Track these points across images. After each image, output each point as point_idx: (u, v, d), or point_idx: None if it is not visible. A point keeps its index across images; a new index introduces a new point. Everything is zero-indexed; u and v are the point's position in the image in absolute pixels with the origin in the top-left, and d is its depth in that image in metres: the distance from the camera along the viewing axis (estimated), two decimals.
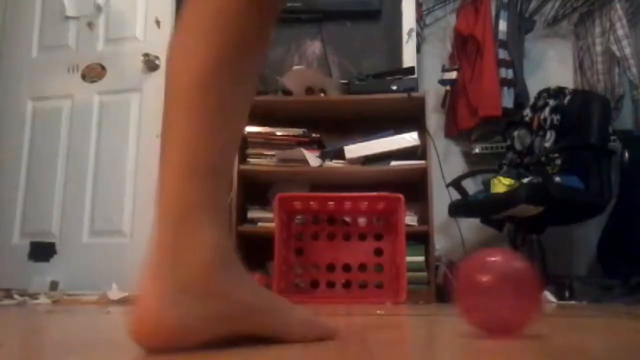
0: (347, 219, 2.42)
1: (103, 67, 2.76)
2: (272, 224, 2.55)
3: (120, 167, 2.64)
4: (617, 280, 2.39)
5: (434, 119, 3.04)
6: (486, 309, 0.68)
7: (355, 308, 1.67)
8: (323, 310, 1.50)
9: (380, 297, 2.19)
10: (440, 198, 2.59)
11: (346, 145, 2.58)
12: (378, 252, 2.31)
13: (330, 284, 2.31)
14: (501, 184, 2.42)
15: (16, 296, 1.96)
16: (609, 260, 2.64)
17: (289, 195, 2.29)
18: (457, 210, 2.57)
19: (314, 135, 2.67)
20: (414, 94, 2.59)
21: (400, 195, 2.16)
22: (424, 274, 2.39)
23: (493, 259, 0.70)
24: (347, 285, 2.30)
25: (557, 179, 2.36)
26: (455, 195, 2.59)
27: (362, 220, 2.40)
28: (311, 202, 2.27)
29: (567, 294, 2.16)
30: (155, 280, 0.52)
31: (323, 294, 2.27)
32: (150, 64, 2.64)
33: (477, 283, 0.68)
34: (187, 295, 0.52)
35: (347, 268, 2.31)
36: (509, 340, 0.68)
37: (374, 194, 2.28)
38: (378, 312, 1.44)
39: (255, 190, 2.73)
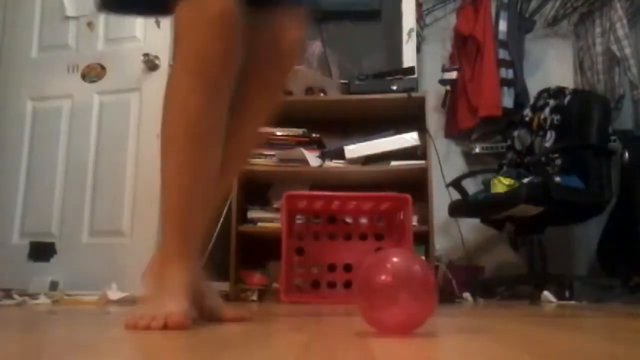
0: (348, 219, 2.42)
1: (103, 67, 2.76)
2: (272, 224, 2.55)
3: (120, 167, 2.63)
4: (617, 280, 2.39)
5: (434, 119, 3.04)
6: (382, 308, 0.69)
7: (356, 308, 1.66)
8: (324, 310, 1.50)
9: None
10: (440, 198, 2.59)
11: (346, 145, 2.58)
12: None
13: (331, 284, 2.32)
14: (501, 184, 2.42)
15: (16, 296, 1.96)
16: (609, 260, 2.64)
17: (297, 193, 2.28)
18: (457, 210, 2.57)
19: (314, 135, 2.67)
20: (414, 94, 2.59)
21: (408, 196, 2.17)
22: None
23: (392, 260, 0.71)
24: (348, 285, 2.30)
25: (557, 179, 2.36)
26: (455, 195, 2.59)
27: (363, 220, 2.40)
28: (318, 201, 2.26)
29: (567, 294, 2.16)
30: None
31: (324, 294, 2.28)
32: (150, 64, 2.64)
33: (374, 283, 0.69)
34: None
35: (348, 268, 2.31)
36: (509, 340, 0.68)
37: (381, 194, 2.28)
38: None
39: (255, 190, 2.73)
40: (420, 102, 2.58)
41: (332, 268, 2.32)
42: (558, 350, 0.59)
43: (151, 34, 2.72)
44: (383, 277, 0.69)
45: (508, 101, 2.85)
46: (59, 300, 1.99)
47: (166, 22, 2.72)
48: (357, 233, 2.36)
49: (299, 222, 2.41)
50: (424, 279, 0.70)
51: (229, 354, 0.53)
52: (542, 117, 2.71)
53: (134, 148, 2.64)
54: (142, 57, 2.63)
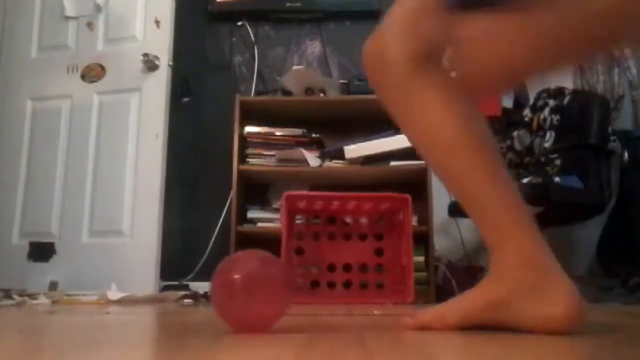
0: (348, 219, 2.42)
1: (102, 67, 2.76)
2: (272, 224, 2.56)
3: (119, 167, 2.63)
4: (617, 280, 2.39)
5: None
6: (234, 306, 0.72)
7: (355, 308, 1.67)
8: (323, 311, 1.50)
9: (382, 298, 2.19)
10: (440, 198, 2.59)
11: (346, 145, 2.58)
12: (379, 252, 2.31)
13: (331, 284, 2.31)
14: None
15: (16, 296, 1.96)
16: (609, 260, 2.64)
17: (296, 193, 2.28)
18: (457, 210, 2.57)
19: (314, 135, 2.67)
20: None
21: (408, 196, 2.16)
22: (424, 274, 2.39)
23: (247, 260, 0.76)
24: (347, 285, 2.30)
25: (557, 179, 2.36)
26: None
27: (363, 220, 2.40)
28: (318, 202, 2.26)
29: None
30: None
31: (323, 294, 2.27)
32: (150, 64, 2.64)
33: (228, 282, 0.72)
34: None
35: (347, 268, 2.31)
36: (509, 340, 0.67)
37: (381, 194, 2.28)
38: (375, 312, 1.44)
39: (255, 190, 2.73)
40: None
41: (331, 268, 2.32)
42: (558, 351, 0.59)
43: (151, 34, 2.72)
44: (237, 276, 0.72)
45: (508, 101, 2.85)
46: (58, 300, 1.98)
47: (166, 23, 2.72)
48: (356, 233, 2.36)
49: (298, 222, 2.41)
50: (276, 279, 0.74)
51: (229, 355, 0.53)
52: (541, 117, 2.71)
53: (133, 148, 2.64)
54: (141, 58, 2.63)
